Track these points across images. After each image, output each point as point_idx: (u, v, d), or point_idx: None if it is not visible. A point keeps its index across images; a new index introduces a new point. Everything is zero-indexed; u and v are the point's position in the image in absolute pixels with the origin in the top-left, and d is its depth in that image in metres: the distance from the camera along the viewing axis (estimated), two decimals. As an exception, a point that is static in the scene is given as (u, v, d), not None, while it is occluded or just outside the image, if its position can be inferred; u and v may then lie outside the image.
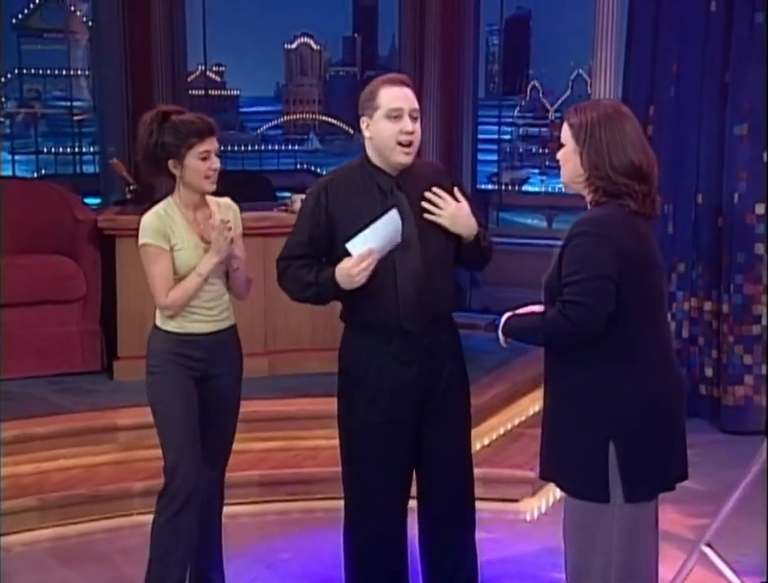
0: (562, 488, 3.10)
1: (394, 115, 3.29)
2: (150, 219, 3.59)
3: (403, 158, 3.33)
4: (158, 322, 3.65)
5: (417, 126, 3.34)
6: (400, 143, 3.30)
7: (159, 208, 3.61)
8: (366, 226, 3.25)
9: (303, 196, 5.88)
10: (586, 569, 2.98)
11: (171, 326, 3.61)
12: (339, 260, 3.32)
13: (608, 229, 2.82)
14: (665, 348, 2.98)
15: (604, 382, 2.86)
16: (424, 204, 3.34)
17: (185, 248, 3.56)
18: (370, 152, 3.39)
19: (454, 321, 3.56)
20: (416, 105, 3.35)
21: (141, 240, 3.57)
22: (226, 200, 3.76)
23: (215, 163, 3.57)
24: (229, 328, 3.77)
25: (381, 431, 3.39)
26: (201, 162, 3.53)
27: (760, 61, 5.85)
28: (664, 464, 2.93)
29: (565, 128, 2.92)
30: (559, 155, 2.95)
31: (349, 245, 3.23)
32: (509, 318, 3.03)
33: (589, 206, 2.94)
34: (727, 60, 6.02)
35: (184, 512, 3.59)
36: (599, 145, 2.83)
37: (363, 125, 3.37)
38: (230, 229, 3.57)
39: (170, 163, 3.55)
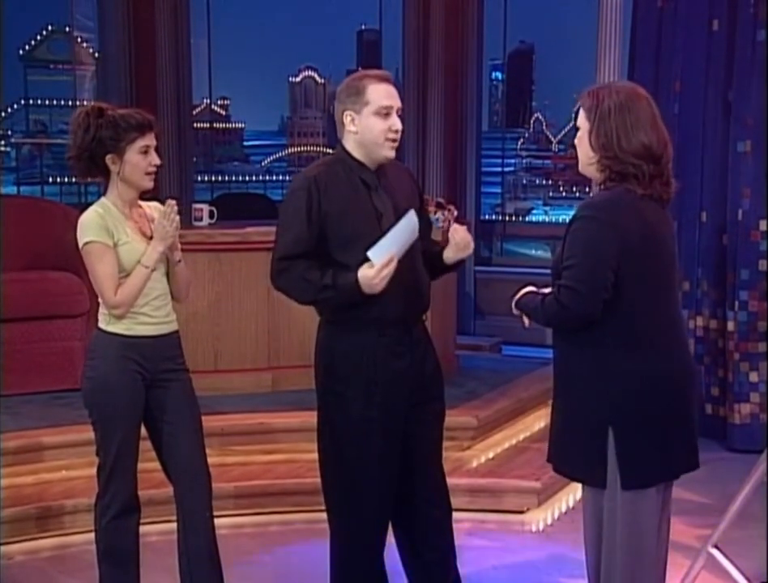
0: (561, 472, 3.08)
1: (384, 112, 3.31)
2: (90, 216, 3.45)
3: (390, 153, 3.36)
4: (102, 325, 3.50)
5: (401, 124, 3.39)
6: (387, 140, 3.32)
7: (95, 207, 3.49)
8: (383, 233, 3.24)
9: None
10: (598, 553, 2.96)
11: (118, 328, 3.47)
12: (330, 257, 3.30)
13: (610, 214, 2.81)
14: (672, 334, 2.96)
15: (606, 367, 2.86)
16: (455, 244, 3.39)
17: (130, 241, 3.45)
18: (351, 146, 3.37)
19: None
20: (400, 103, 3.39)
21: (84, 239, 3.43)
22: (156, 204, 3.63)
23: (156, 158, 3.49)
24: (174, 332, 3.61)
25: (375, 427, 3.34)
26: (141, 157, 3.45)
27: (762, 78, 5.88)
28: (665, 452, 2.90)
29: (580, 110, 2.93)
30: (576, 139, 2.97)
31: (370, 254, 3.19)
32: (525, 293, 3.03)
33: (598, 190, 2.94)
34: (729, 77, 6.06)
35: (125, 513, 3.54)
36: (609, 129, 2.83)
37: (347, 120, 3.34)
38: (179, 213, 3.47)
39: (108, 158, 3.44)
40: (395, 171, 3.49)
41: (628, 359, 2.85)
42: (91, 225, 3.44)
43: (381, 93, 3.31)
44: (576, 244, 2.83)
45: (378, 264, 3.19)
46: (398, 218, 3.36)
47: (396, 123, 3.32)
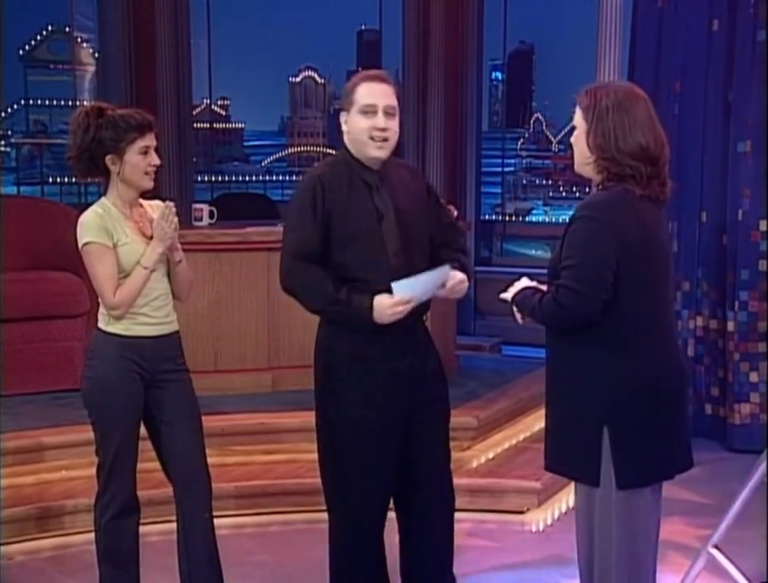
0: (555, 471, 3.08)
1: (368, 110, 3.32)
2: (90, 217, 3.46)
3: (376, 152, 3.34)
4: (102, 325, 3.51)
5: (392, 123, 3.35)
6: (372, 138, 3.32)
7: (95, 207, 3.50)
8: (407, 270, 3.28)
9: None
10: (589, 552, 2.96)
11: (117, 328, 3.48)
12: (329, 257, 3.31)
13: (608, 214, 2.81)
14: (666, 334, 2.97)
15: (602, 367, 2.85)
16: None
17: (129, 242, 3.46)
18: (350, 146, 3.40)
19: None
20: (392, 102, 3.36)
21: (83, 240, 3.44)
22: (157, 203, 3.64)
23: (155, 159, 3.49)
24: (174, 333, 3.61)
25: (374, 427, 3.35)
26: (141, 157, 3.45)
27: (762, 78, 5.87)
28: (660, 452, 2.90)
29: (577, 109, 2.92)
30: (572, 138, 2.96)
31: (394, 285, 3.22)
32: (522, 289, 3.02)
33: (596, 190, 2.94)
34: (729, 77, 6.05)
35: (125, 512, 3.55)
36: (606, 129, 2.82)
37: (342, 120, 3.39)
38: (176, 214, 3.48)
39: (108, 159, 3.45)
40: (400, 171, 3.49)
41: (624, 359, 2.85)
42: (91, 226, 3.44)
43: (367, 91, 3.33)
44: (575, 245, 2.82)
45: (397, 298, 3.21)
46: (398, 218, 3.35)
47: (379, 121, 3.31)
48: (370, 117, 3.31)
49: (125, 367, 3.48)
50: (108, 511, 3.54)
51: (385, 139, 3.33)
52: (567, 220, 2.93)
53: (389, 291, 3.25)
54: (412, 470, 3.49)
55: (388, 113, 3.33)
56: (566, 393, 2.92)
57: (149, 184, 3.52)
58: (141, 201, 3.60)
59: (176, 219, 3.50)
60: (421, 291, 3.27)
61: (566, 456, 2.96)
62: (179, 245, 3.58)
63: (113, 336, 3.49)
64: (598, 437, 2.84)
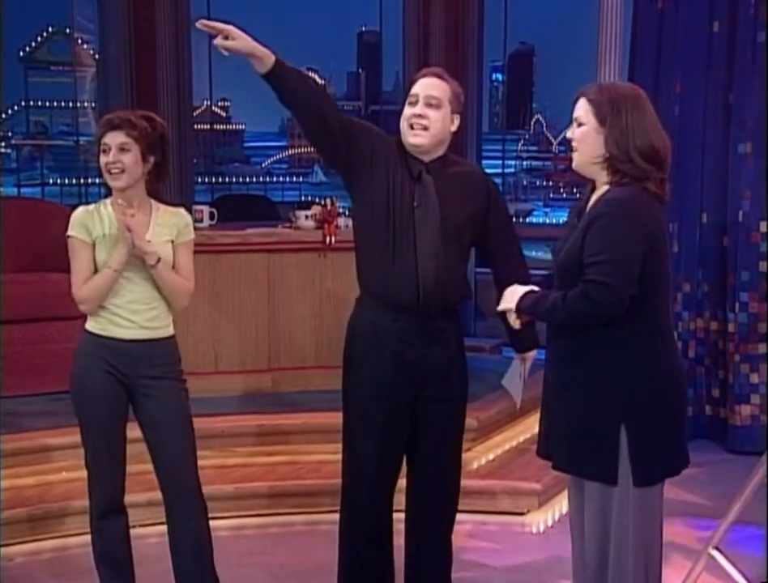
0: (569, 471, 3.07)
1: (411, 100, 3.40)
2: (77, 213, 3.55)
3: (413, 139, 3.37)
4: (87, 324, 3.59)
5: (433, 112, 3.37)
6: (411, 126, 3.37)
7: (91, 205, 3.59)
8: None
9: (306, 212, 5.92)
10: (605, 552, 2.95)
11: (94, 327, 3.53)
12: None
13: (634, 210, 2.81)
14: (671, 332, 3.01)
15: (619, 365, 2.86)
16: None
17: (105, 242, 3.47)
18: (402, 138, 3.45)
19: (458, 312, 3.56)
20: (435, 92, 3.38)
21: (67, 233, 3.54)
22: (177, 209, 3.63)
23: (111, 157, 3.44)
24: (160, 339, 3.57)
25: (379, 406, 3.42)
26: (103, 155, 3.48)
27: (762, 79, 5.88)
28: (672, 448, 2.93)
29: (585, 106, 2.86)
30: (575, 134, 2.88)
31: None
32: (525, 294, 3.00)
33: (606, 187, 2.90)
34: (730, 79, 6.06)
35: (109, 514, 3.57)
36: (625, 126, 2.80)
37: None
38: (132, 215, 3.42)
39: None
40: (459, 169, 3.50)
41: (641, 357, 2.86)
42: (75, 221, 3.51)
43: (416, 83, 3.42)
44: (603, 240, 2.79)
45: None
46: (440, 212, 3.35)
47: (417, 109, 3.36)
48: (412, 106, 3.39)
49: (99, 366, 3.51)
50: (96, 511, 3.59)
51: (423, 127, 3.35)
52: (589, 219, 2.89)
53: (416, 270, 3.33)
54: (415, 464, 3.56)
55: (430, 104, 3.37)
56: (580, 394, 2.91)
57: (113, 182, 3.49)
58: (158, 205, 3.59)
59: (130, 219, 3.42)
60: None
61: (581, 455, 2.94)
62: (148, 249, 3.46)
63: (92, 335, 3.54)
64: (615, 436, 2.85)
